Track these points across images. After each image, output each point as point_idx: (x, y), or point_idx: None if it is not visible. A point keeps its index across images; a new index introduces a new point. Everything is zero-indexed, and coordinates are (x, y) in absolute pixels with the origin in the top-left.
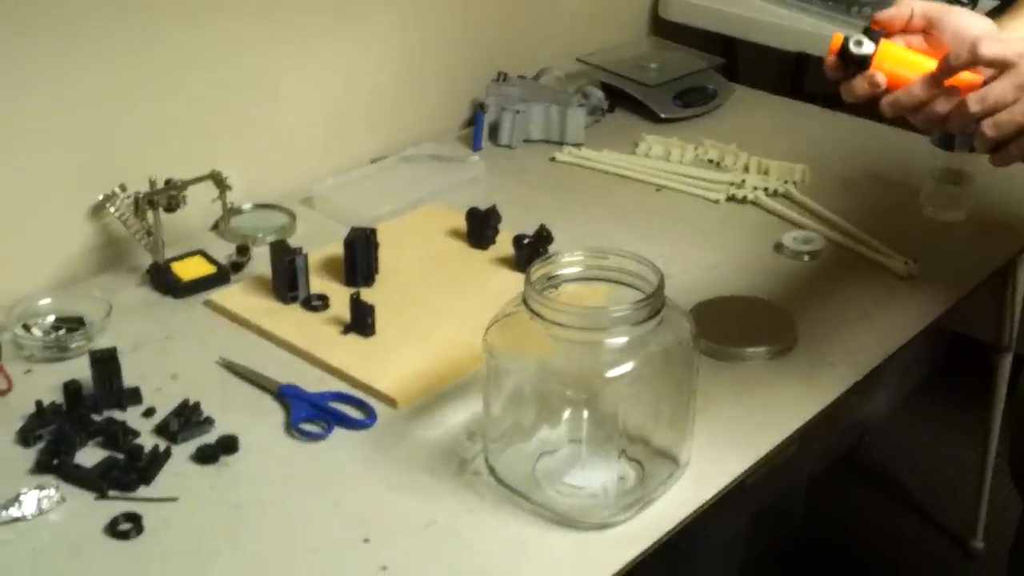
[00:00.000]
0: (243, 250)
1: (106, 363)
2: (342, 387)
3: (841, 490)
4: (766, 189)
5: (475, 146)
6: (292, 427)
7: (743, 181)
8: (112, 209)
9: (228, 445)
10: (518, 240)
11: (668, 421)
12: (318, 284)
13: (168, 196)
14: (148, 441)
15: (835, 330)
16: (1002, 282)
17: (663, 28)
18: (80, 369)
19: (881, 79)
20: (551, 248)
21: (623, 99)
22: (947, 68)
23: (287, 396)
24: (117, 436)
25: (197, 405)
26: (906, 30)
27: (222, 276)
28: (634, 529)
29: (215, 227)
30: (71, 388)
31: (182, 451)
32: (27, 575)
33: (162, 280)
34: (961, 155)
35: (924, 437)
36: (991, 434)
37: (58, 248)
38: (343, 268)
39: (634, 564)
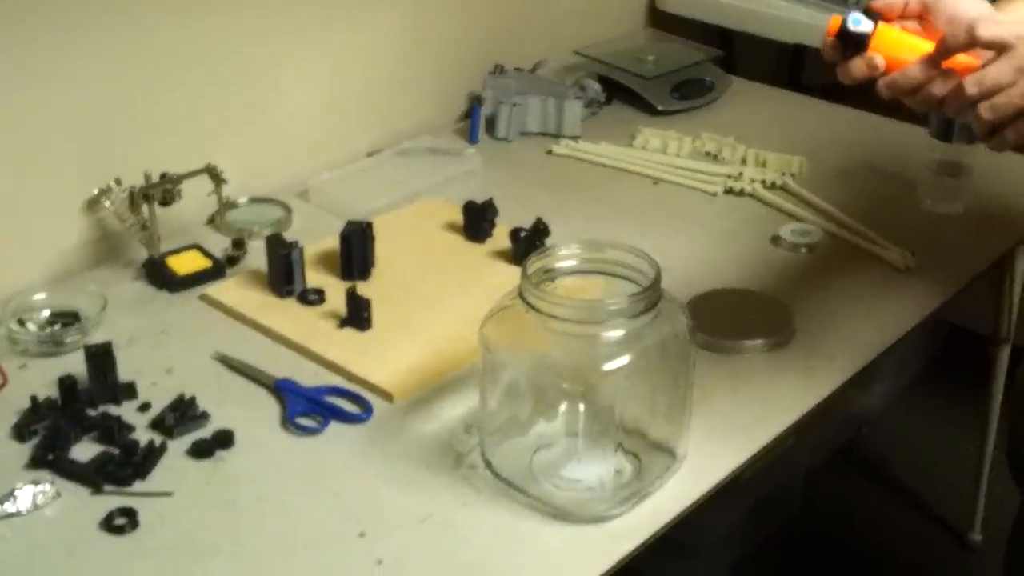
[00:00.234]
0: (239, 244)
1: (101, 358)
2: (338, 381)
3: (839, 483)
4: (763, 181)
5: (472, 139)
6: (288, 421)
7: (740, 173)
8: (107, 203)
9: (224, 440)
10: (515, 233)
11: (665, 414)
12: (314, 278)
13: (163, 190)
14: (143, 436)
15: (832, 322)
16: (1000, 274)
17: (660, 20)
18: (75, 364)
19: (880, 61)
20: (548, 241)
21: (620, 91)
22: (944, 49)
23: (283, 390)
24: (112, 431)
25: (193, 400)
26: (903, 15)
27: (218, 270)
28: (631, 522)
29: (211, 221)
30: (66, 383)
31: (178, 446)
32: (23, 570)
33: (157, 274)
34: (959, 147)
35: (922, 429)
36: (989, 426)
37: (53, 242)
38: (339, 262)
39: (631, 557)
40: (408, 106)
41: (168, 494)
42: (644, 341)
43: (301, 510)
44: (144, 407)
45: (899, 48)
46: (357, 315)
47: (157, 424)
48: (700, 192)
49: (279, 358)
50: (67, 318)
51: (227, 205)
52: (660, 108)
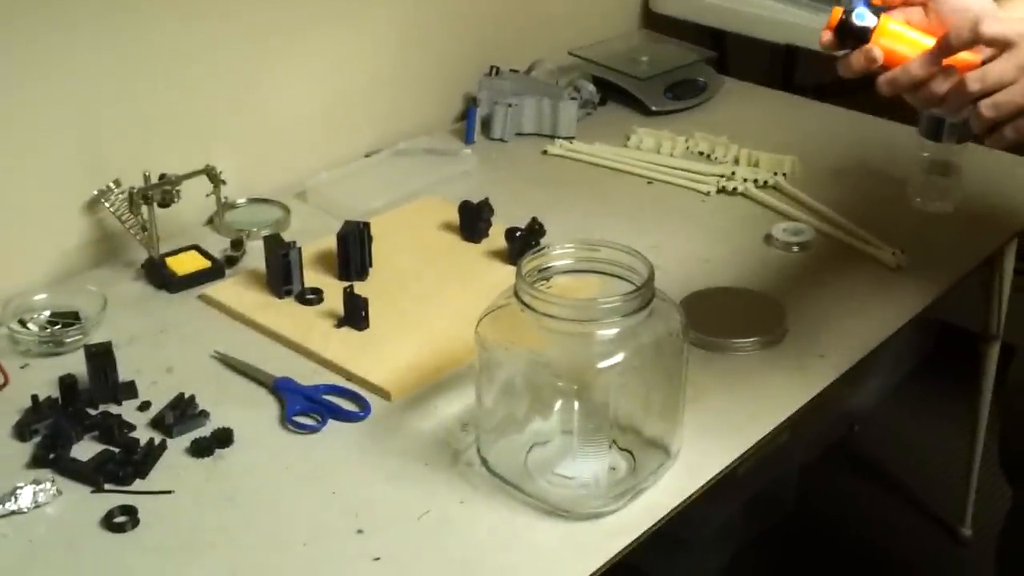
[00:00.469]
0: (237, 244)
1: (101, 357)
2: (336, 380)
3: (832, 479)
4: (756, 181)
5: (467, 139)
6: (286, 420)
7: (733, 173)
8: (107, 204)
9: (223, 438)
10: (510, 233)
11: (659, 411)
12: (312, 278)
13: (162, 191)
14: (143, 435)
15: (825, 320)
16: (990, 272)
17: (654, 21)
18: (76, 364)
19: (878, 54)
20: (543, 241)
21: (614, 92)
22: (947, 46)
23: (281, 389)
24: (113, 430)
25: (192, 399)
26: (907, 3)
27: (217, 270)
28: (625, 519)
29: (209, 222)
30: (67, 382)
31: (177, 444)
32: (24, 568)
33: (157, 275)
34: (949, 147)
35: (914, 426)
36: (979, 422)
37: (53, 243)
38: (337, 262)
39: (626, 553)
40: (405, 107)
41: (168, 492)
42: (638, 339)
43: (299, 507)
44: (144, 406)
45: (900, 42)
46: (355, 314)
47: (157, 423)
48: (693, 192)
49: (278, 357)
50: (67, 318)
51: (226, 206)
52: (654, 108)
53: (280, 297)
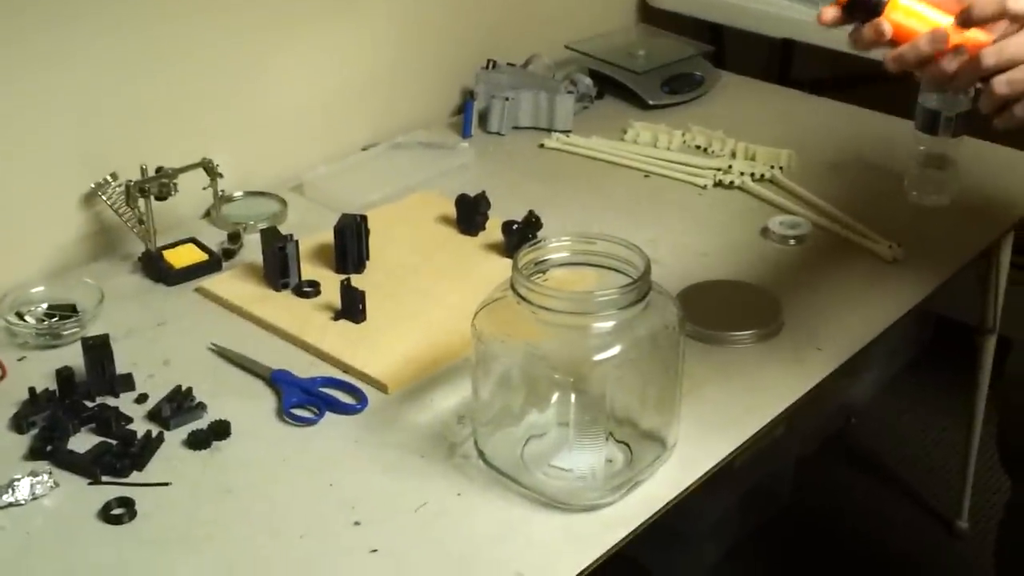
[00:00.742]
0: (234, 237)
1: (99, 350)
2: (333, 372)
3: (829, 471)
4: (752, 174)
5: (464, 133)
6: (283, 412)
7: (730, 167)
8: (103, 197)
9: (220, 430)
10: (507, 226)
11: (655, 404)
12: (309, 271)
13: (159, 184)
14: (141, 427)
15: (821, 314)
16: (986, 265)
17: (651, 15)
18: (73, 356)
19: (887, 28)
20: (540, 234)
21: (611, 86)
22: (969, 18)
23: (278, 381)
24: (110, 422)
25: (189, 391)
26: None
27: (214, 263)
28: (622, 511)
29: (206, 215)
30: (64, 375)
31: (174, 436)
32: (21, 560)
33: (154, 268)
34: (944, 140)
35: (910, 419)
36: (976, 415)
37: (50, 236)
38: (334, 255)
39: (623, 545)
40: (402, 101)
41: (165, 484)
42: (634, 332)
43: (296, 500)
44: (141, 398)
45: (912, 18)
46: (352, 307)
47: (154, 415)
48: (690, 185)
49: (275, 350)
50: (65, 311)
51: (223, 199)
52: (651, 102)
53: (277, 290)
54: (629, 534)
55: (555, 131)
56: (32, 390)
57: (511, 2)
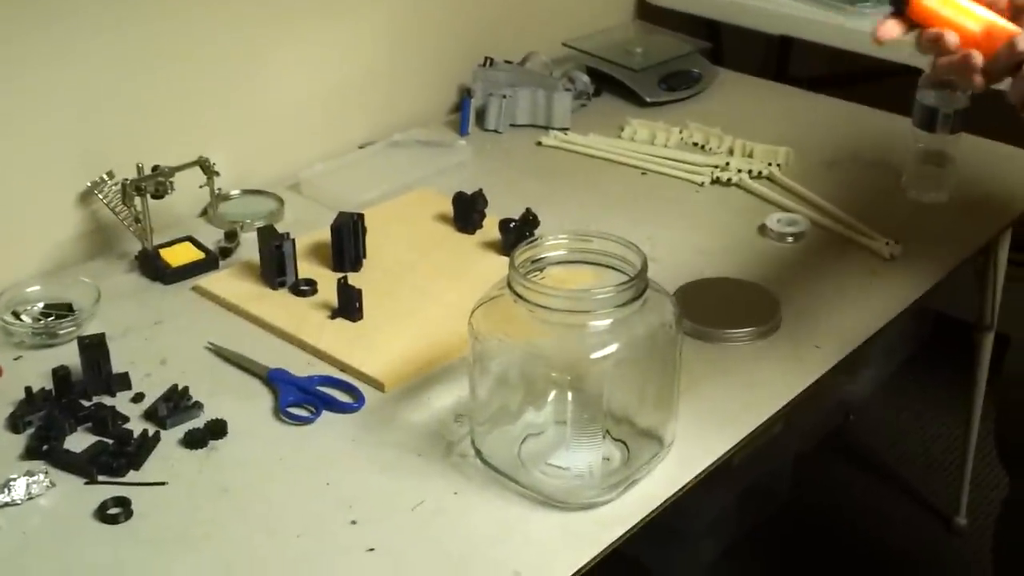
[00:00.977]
0: (231, 236)
1: (95, 349)
2: (330, 371)
3: (827, 469)
4: (750, 172)
5: (462, 131)
6: (280, 411)
7: (727, 164)
8: (100, 196)
9: (217, 429)
10: (504, 224)
11: (653, 402)
12: (306, 269)
13: (156, 183)
14: (137, 426)
15: (819, 311)
16: (984, 262)
17: (648, 12)
18: (69, 355)
19: (890, 31)
20: (537, 232)
21: (609, 83)
22: (1009, 53)
23: (275, 380)
24: (106, 421)
25: (186, 390)
26: None
27: (210, 262)
28: (619, 509)
29: (203, 213)
30: (60, 374)
31: (171, 436)
32: (17, 560)
33: (151, 266)
34: (942, 137)
35: (909, 416)
36: (974, 412)
37: (47, 235)
38: (331, 253)
39: (620, 544)
40: (399, 99)
41: (162, 484)
42: (632, 330)
43: (293, 499)
44: (138, 398)
45: (944, 5)
46: (349, 306)
47: (151, 414)
48: (687, 183)
49: (271, 348)
50: (61, 310)
51: (219, 197)
52: (648, 100)
53: (274, 288)
54: (626, 532)
55: (553, 129)
56: (28, 389)
57: (508, 0)
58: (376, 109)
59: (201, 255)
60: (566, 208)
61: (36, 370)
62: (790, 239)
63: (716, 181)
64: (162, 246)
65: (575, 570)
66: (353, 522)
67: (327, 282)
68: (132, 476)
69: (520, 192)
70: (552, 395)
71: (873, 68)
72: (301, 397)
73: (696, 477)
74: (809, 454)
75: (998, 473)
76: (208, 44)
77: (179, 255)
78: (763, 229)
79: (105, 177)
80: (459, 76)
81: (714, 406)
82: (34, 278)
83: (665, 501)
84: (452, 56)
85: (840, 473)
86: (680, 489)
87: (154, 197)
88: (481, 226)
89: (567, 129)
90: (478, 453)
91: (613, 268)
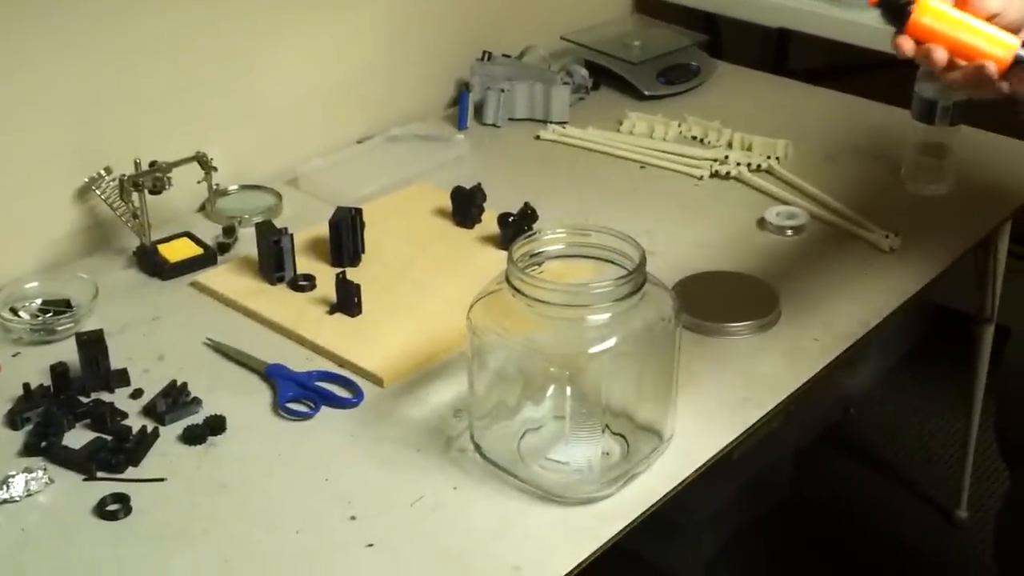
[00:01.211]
0: (229, 231)
1: (93, 345)
2: (329, 366)
3: (827, 462)
4: (749, 165)
5: (460, 125)
6: (279, 406)
7: (726, 157)
8: (98, 192)
9: (215, 425)
10: (503, 218)
11: (652, 396)
12: (304, 264)
13: (153, 178)
14: (136, 422)
15: (818, 304)
16: (984, 254)
17: (646, 5)
18: (68, 352)
19: (905, 46)
20: (536, 226)
21: (607, 77)
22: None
23: (274, 376)
24: (105, 418)
25: (184, 386)
26: None
27: (209, 257)
28: (619, 504)
29: (201, 209)
30: (58, 370)
31: (170, 432)
32: (16, 556)
33: (149, 262)
34: (942, 129)
35: (909, 409)
36: (974, 405)
37: (44, 231)
38: (329, 248)
39: (620, 538)
40: (397, 93)
41: (161, 480)
42: (630, 324)
43: (292, 494)
44: (136, 394)
45: (941, 21)
46: (347, 301)
47: (149, 410)
48: (686, 176)
49: (270, 344)
50: (59, 306)
51: (217, 193)
52: (646, 93)
53: (272, 284)
54: (626, 527)
55: (551, 122)
56: (27, 386)
57: None
58: (374, 103)
59: (199, 251)
60: (565, 202)
61: (34, 366)
62: (789, 232)
63: (715, 174)
64: (160, 242)
65: (574, 565)
66: (352, 517)
67: (325, 277)
68: (131, 472)
69: (519, 186)
70: (551, 390)
71: (871, 60)
72: (300, 392)
73: (696, 471)
74: (809, 448)
75: (999, 466)
76: (205, 39)
77: (177, 251)
78: (762, 222)
79: (103, 173)
80: (457, 70)
81: (713, 400)
82: (32, 274)
83: (665, 495)
84: (450, 50)
85: (841, 467)
86: (680, 483)
87: (152, 193)
88: (480, 220)
89: (565, 123)
90: (477, 448)
91: (612, 262)
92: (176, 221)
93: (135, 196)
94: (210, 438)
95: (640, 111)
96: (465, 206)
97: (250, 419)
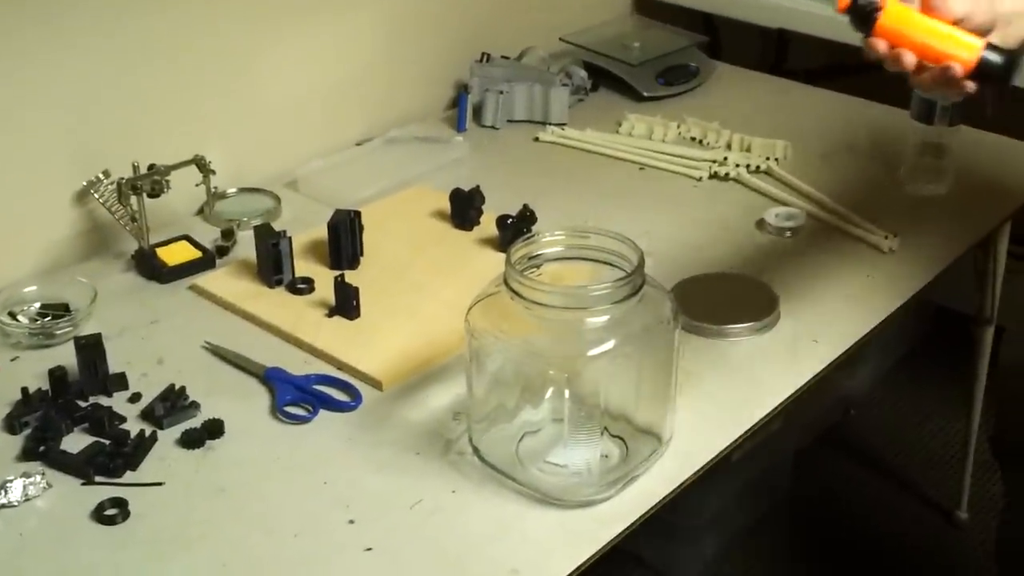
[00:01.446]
0: (228, 234)
1: (91, 349)
2: (327, 370)
3: (827, 464)
4: (748, 166)
5: (459, 127)
6: (277, 410)
7: (725, 158)
8: (96, 195)
9: (214, 429)
10: (502, 220)
11: (650, 398)
12: (303, 267)
13: (152, 181)
14: (134, 426)
15: (817, 306)
16: (983, 254)
17: (645, 6)
18: (66, 355)
19: (880, 46)
20: (535, 227)
21: (606, 78)
22: None
23: (272, 379)
24: (103, 422)
25: (183, 390)
26: None
27: (207, 261)
28: (617, 506)
29: (200, 212)
30: (56, 375)
31: (168, 436)
32: (14, 561)
33: (147, 265)
34: (941, 129)
35: (909, 410)
36: (974, 406)
37: (42, 235)
38: (328, 251)
39: (619, 541)
40: (396, 95)
41: (159, 484)
42: (629, 326)
43: (291, 498)
44: (134, 398)
45: (907, 25)
46: (346, 304)
47: (147, 414)
48: (685, 177)
49: (268, 347)
50: (58, 310)
51: (216, 196)
52: (645, 94)
53: (271, 287)
54: (625, 530)
55: (550, 124)
56: (25, 390)
57: None
58: (373, 105)
59: (198, 254)
60: (564, 203)
61: (32, 371)
62: (788, 233)
63: (714, 175)
64: (158, 245)
65: (573, 568)
66: (351, 521)
67: (324, 280)
68: (129, 477)
69: (517, 188)
70: (549, 392)
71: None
72: (298, 396)
73: (695, 474)
74: (809, 449)
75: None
76: (203, 41)
77: (175, 254)
78: (761, 223)
79: (101, 176)
80: (456, 72)
81: (712, 402)
82: (30, 278)
83: (664, 498)
84: (449, 52)
85: (841, 468)
86: (679, 486)
87: (150, 196)
88: (479, 223)
89: (564, 124)
90: (476, 451)
91: (610, 264)
92: (174, 224)
93: (133, 199)
94: (208, 442)
95: (639, 112)
96: (464, 208)
97: (248, 423)
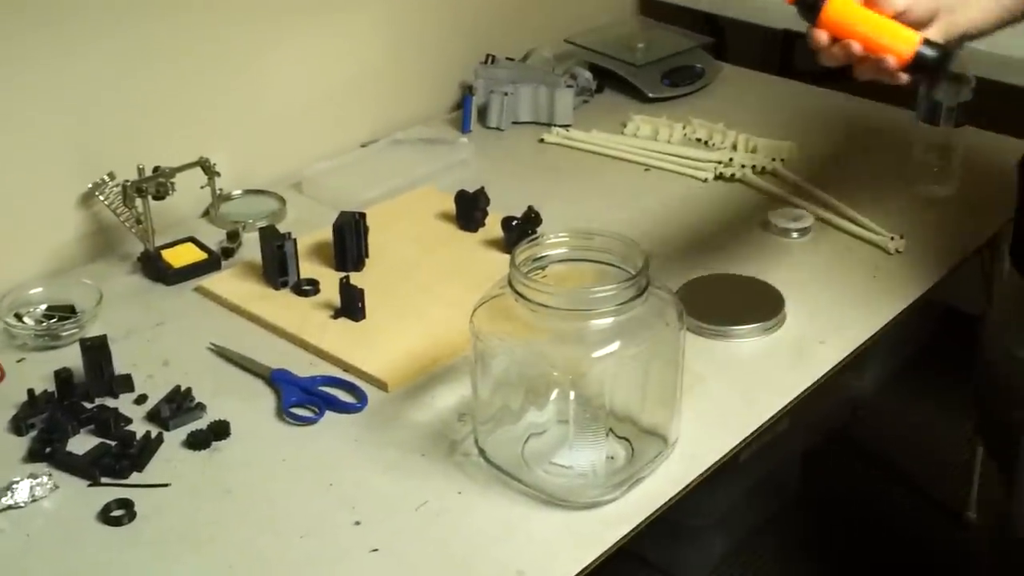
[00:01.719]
0: (233, 236)
1: (97, 351)
2: (333, 371)
3: (835, 465)
4: (754, 167)
5: (464, 129)
6: (283, 411)
7: (731, 159)
8: (101, 197)
9: (219, 430)
10: (507, 222)
11: (656, 400)
12: (308, 269)
13: (157, 184)
14: (140, 428)
15: (824, 306)
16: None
17: (650, 8)
18: (72, 357)
19: (822, 37)
20: (540, 229)
21: (611, 79)
22: None
23: (278, 381)
24: (109, 423)
25: (189, 391)
26: None
27: (213, 262)
28: (624, 508)
29: (205, 214)
30: (62, 376)
31: (174, 437)
32: (21, 562)
33: (153, 267)
34: (947, 130)
35: (917, 410)
36: None
37: (48, 237)
38: (333, 252)
39: (625, 542)
40: (401, 97)
41: (165, 485)
42: (634, 328)
43: (296, 499)
44: (140, 399)
45: (850, 17)
46: (351, 305)
47: (153, 416)
48: (691, 178)
49: (274, 349)
50: (63, 312)
51: (221, 198)
52: (651, 95)
53: (276, 288)
54: (631, 531)
55: (555, 125)
56: (31, 392)
57: None
58: (378, 107)
59: (203, 256)
60: (569, 205)
61: (39, 372)
62: (794, 234)
63: (720, 177)
64: (164, 247)
65: (579, 569)
66: (357, 523)
67: (329, 282)
68: (135, 478)
69: (522, 190)
70: (554, 394)
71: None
72: (304, 397)
73: (701, 475)
74: (817, 450)
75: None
76: (208, 43)
77: (181, 256)
78: (767, 224)
79: (106, 178)
80: (461, 73)
81: (718, 403)
82: (36, 280)
83: (670, 499)
84: (454, 53)
85: (848, 469)
86: (685, 487)
87: (155, 198)
88: (484, 224)
89: (569, 126)
90: (481, 452)
91: (615, 266)
92: (180, 226)
93: (139, 202)
94: (214, 443)
95: (644, 113)
96: (469, 210)
97: (254, 424)
